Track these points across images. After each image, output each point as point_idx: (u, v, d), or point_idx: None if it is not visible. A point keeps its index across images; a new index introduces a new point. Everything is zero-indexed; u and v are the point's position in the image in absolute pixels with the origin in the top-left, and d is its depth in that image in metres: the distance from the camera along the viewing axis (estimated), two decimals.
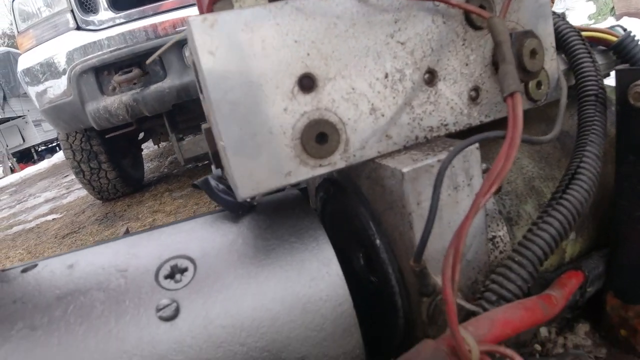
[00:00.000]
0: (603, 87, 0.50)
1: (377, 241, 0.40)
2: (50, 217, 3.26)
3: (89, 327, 0.34)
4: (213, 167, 0.50)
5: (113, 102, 2.84)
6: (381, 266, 0.40)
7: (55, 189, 4.44)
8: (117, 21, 2.93)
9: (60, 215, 3.28)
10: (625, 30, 0.66)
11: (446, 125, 0.40)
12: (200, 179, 0.45)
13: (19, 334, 0.33)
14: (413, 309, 0.40)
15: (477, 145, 0.36)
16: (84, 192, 3.73)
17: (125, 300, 0.35)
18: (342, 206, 0.46)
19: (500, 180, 0.29)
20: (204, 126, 0.46)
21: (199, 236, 0.40)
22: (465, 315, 0.35)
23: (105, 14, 2.95)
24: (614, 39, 0.62)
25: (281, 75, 0.33)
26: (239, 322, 0.35)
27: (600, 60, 0.62)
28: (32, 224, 3.20)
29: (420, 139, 0.39)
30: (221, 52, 0.31)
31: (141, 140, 4.11)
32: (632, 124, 0.44)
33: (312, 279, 0.37)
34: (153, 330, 0.34)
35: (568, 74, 0.54)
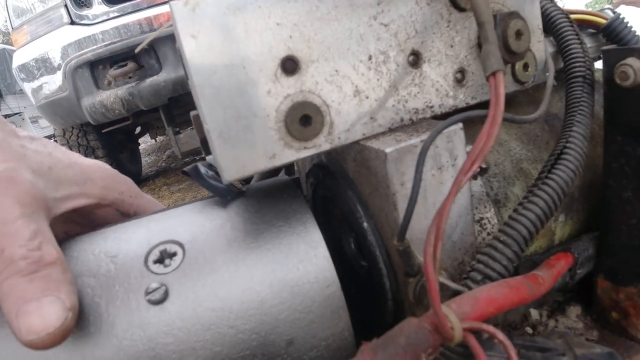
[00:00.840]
0: (591, 69, 0.50)
1: (365, 224, 0.40)
2: None
3: (80, 312, 0.34)
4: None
5: (109, 97, 2.84)
6: (369, 249, 0.41)
7: None
8: (111, 15, 2.93)
9: None
10: (614, 12, 0.66)
11: (431, 107, 0.40)
12: (190, 166, 0.45)
13: None
14: (401, 291, 0.41)
15: (460, 125, 0.36)
16: None
17: (115, 285, 0.36)
18: (331, 191, 0.46)
19: (481, 159, 0.29)
20: (192, 113, 0.46)
21: (187, 221, 0.41)
22: (452, 295, 0.35)
23: (99, 8, 2.95)
24: (603, 21, 0.62)
25: (264, 58, 0.33)
26: (228, 305, 0.35)
27: (589, 42, 0.63)
28: None
29: (405, 121, 0.39)
30: (203, 36, 0.31)
31: (138, 135, 4.13)
32: (619, 103, 0.44)
33: (299, 262, 0.37)
34: (142, 314, 0.34)
35: (556, 56, 0.55)
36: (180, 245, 0.38)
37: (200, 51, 0.32)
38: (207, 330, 0.34)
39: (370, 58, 0.37)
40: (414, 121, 0.40)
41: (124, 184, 0.46)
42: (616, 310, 0.52)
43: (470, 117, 0.33)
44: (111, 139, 3.61)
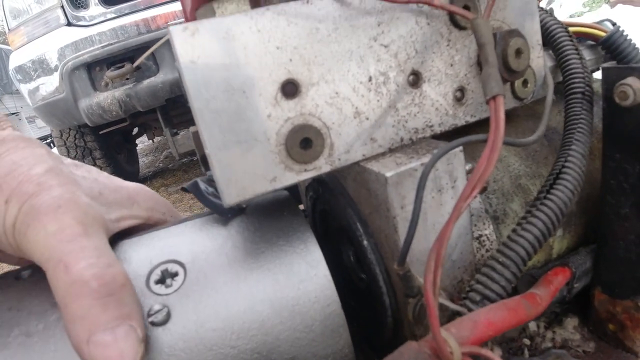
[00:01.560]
0: (590, 85, 0.51)
1: (365, 242, 0.41)
2: None
3: None
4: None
5: (106, 98, 2.84)
6: (369, 267, 0.41)
7: None
8: (108, 16, 2.92)
9: None
10: (614, 24, 0.67)
11: (431, 126, 0.41)
12: (190, 182, 0.45)
13: (15, 341, 0.33)
14: (400, 309, 0.41)
15: (460, 148, 0.36)
16: None
17: None
18: (330, 205, 0.46)
19: (481, 184, 0.29)
20: (192, 129, 0.46)
21: (188, 240, 0.40)
22: (451, 315, 0.35)
23: (95, 9, 2.94)
24: (603, 34, 0.62)
25: (264, 82, 0.33)
26: (230, 325, 0.35)
27: (588, 55, 0.63)
28: None
29: (405, 140, 0.39)
30: (203, 60, 0.31)
31: (135, 136, 4.12)
32: (618, 121, 0.44)
33: (300, 281, 0.37)
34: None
35: (555, 70, 0.55)
36: (182, 265, 0.38)
37: (200, 76, 0.31)
38: (209, 350, 0.34)
39: (370, 79, 0.37)
40: (413, 141, 0.40)
41: (165, 205, 0.47)
42: (613, 322, 0.52)
43: (471, 142, 0.33)
44: (108, 140, 3.60)
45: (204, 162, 0.45)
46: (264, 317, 0.36)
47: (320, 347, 0.37)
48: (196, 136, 0.43)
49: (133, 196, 0.43)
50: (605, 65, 0.45)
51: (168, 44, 2.83)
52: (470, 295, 0.36)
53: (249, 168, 0.34)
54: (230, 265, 0.38)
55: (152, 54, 2.83)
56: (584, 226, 0.54)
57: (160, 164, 4.22)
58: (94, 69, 2.83)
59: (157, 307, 0.35)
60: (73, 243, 0.31)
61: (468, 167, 0.39)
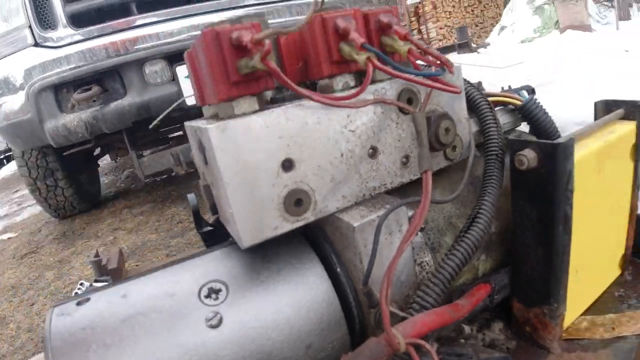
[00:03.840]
0: (502, 148, 0.67)
1: (338, 269, 0.55)
2: (5, 237, 3.16)
3: (154, 340, 0.45)
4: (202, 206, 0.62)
5: (72, 120, 2.83)
6: (341, 288, 0.56)
7: (7, 206, 4.28)
8: (77, 38, 2.91)
9: (16, 234, 3.17)
10: (530, 92, 0.83)
11: (385, 184, 0.56)
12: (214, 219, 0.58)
13: (95, 353, 0.44)
14: (365, 317, 0.56)
15: (403, 206, 0.52)
16: (37, 209, 3.57)
17: (179, 316, 0.48)
18: (310, 240, 0.61)
19: (416, 232, 0.45)
20: (202, 184, 0.59)
21: (223, 265, 0.55)
22: (400, 319, 0.50)
23: (64, 30, 2.93)
24: (519, 102, 0.78)
25: (270, 161, 0.48)
26: (265, 324, 0.50)
27: (507, 118, 0.80)
28: None
29: (366, 196, 0.55)
30: (229, 148, 0.46)
31: (97, 156, 4.04)
32: (519, 179, 0.60)
33: (311, 289, 0.53)
34: (204, 336, 0.47)
35: (479, 134, 0.71)
36: (223, 283, 0.52)
37: (228, 159, 0.46)
38: (252, 342, 0.49)
39: (342, 155, 0.52)
40: (372, 195, 0.55)
41: None
42: (528, 325, 0.68)
43: (409, 203, 0.48)
44: (71, 161, 3.55)
45: (213, 209, 0.59)
46: (288, 316, 0.51)
47: (328, 335, 0.53)
48: (207, 189, 0.57)
49: None
50: (511, 137, 0.62)
51: (135, 66, 2.87)
52: (412, 305, 0.52)
53: (259, 220, 0.48)
54: (260, 280, 0.52)
55: (120, 76, 2.85)
56: (502, 252, 0.70)
57: (122, 184, 4.16)
58: (61, 90, 2.80)
59: (211, 314, 0.49)
60: None
61: (410, 214, 0.54)
